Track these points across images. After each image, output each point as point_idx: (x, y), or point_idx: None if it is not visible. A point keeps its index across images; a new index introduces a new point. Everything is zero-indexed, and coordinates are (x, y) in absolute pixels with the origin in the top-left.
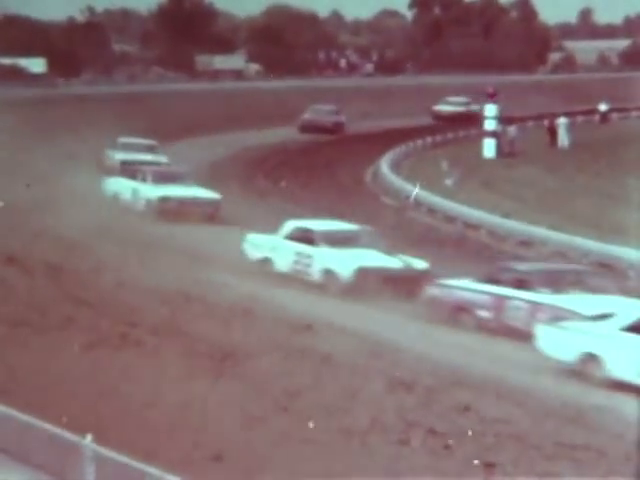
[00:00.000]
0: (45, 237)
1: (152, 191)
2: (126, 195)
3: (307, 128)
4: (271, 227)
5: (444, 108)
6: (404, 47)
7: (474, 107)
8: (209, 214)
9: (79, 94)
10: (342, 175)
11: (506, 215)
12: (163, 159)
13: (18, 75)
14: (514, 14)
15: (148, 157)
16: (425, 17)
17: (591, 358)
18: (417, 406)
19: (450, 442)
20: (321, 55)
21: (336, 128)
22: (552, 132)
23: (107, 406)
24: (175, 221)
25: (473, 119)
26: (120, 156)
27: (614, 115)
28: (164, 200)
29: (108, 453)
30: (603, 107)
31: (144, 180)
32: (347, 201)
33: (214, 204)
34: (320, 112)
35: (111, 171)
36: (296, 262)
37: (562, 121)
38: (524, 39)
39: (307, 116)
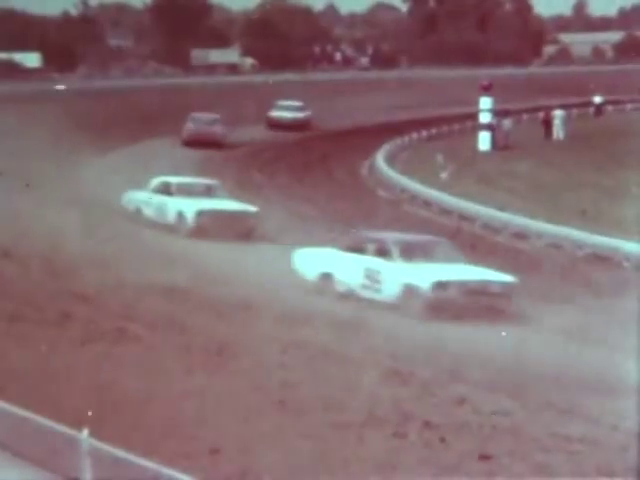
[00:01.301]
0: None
1: (184, 205)
2: (150, 209)
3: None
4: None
5: (280, 114)
6: (399, 40)
7: (307, 113)
8: (246, 230)
9: (76, 89)
10: (338, 169)
11: (501, 208)
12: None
13: (13, 70)
14: (509, 7)
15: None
16: (420, 10)
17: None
18: None
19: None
20: (316, 49)
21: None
22: (547, 125)
23: (104, 400)
24: (210, 238)
25: (307, 126)
26: None
27: (609, 107)
28: (201, 214)
29: (105, 447)
30: (598, 99)
31: (171, 192)
32: (344, 195)
33: (252, 218)
34: (286, 108)
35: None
36: None
37: (558, 114)
38: (519, 32)
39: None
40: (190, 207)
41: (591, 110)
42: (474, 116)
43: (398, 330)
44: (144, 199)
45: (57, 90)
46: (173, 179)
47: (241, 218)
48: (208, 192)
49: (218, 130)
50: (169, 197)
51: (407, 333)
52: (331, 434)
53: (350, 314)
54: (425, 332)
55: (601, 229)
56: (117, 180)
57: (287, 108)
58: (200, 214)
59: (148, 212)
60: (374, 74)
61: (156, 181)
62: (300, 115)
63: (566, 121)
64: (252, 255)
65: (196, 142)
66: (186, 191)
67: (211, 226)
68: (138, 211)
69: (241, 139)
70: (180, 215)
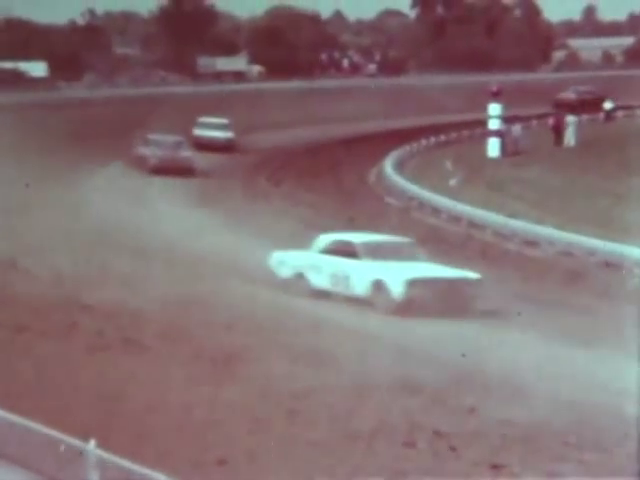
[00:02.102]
0: None
1: (384, 271)
2: (322, 276)
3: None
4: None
5: (204, 133)
6: (407, 47)
7: (230, 134)
8: (465, 302)
9: (82, 98)
10: (346, 176)
11: (512, 215)
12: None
13: (19, 79)
14: (517, 12)
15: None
16: (428, 16)
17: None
18: None
19: None
20: (323, 56)
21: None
22: (557, 131)
23: (111, 411)
24: (422, 315)
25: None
26: None
27: (619, 113)
28: (413, 284)
29: (112, 458)
30: (608, 105)
31: (356, 254)
32: (351, 202)
33: (473, 287)
34: (209, 127)
35: None
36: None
37: (571, 120)
38: (528, 37)
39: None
40: (394, 274)
41: (601, 116)
42: (471, 124)
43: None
44: (310, 262)
45: (63, 99)
46: (356, 237)
47: (460, 287)
48: (405, 253)
49: (185, 154)
50: (353, 260)
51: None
52: None
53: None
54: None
55: (613, 236)
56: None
57: (211, 126)
58: (412, 284)
59: (317, 280)
60: (382, 81)
61: (326, 239)
62: (225, 135)
63: (577, 127)
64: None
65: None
66: (377, 252)
67: (425, 299)
68: (299, 277)
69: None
70: (379, 285)
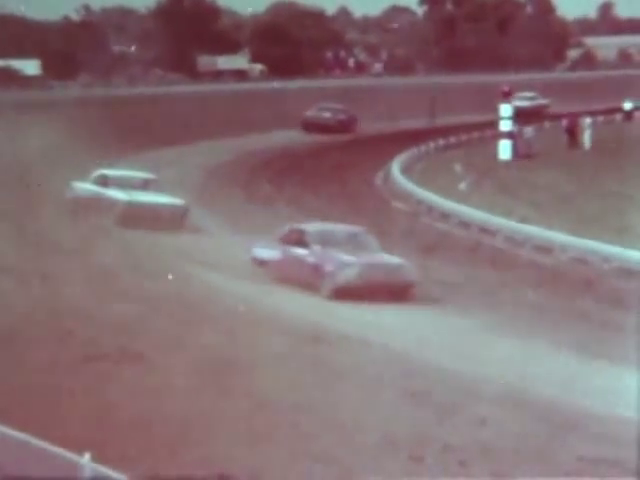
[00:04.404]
0: None
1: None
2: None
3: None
4: None
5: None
6: (415, 45)
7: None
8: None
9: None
10: (351, 179)
11: (523, 220)
12: None
13: (11, 77)
14: (530, 9)
15: None
16: (437, 13)
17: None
18: None
19: None
20: (328, 54)
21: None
22: (571, 132)
23: (107, 422)
24: None
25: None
26: None
27: (637, 114)
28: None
29: (108, 472)
30: (628, 105)
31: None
32: (357, 206)
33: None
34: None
35: None
36: None
37: (587, 121)
38: (541, 35)
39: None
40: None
41: (619, 117)
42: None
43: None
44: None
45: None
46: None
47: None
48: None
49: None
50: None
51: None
52: None
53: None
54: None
55: (628, 242)
56: None
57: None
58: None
59: None
60: (388, 81)
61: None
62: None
63: (592, 129)
64: None
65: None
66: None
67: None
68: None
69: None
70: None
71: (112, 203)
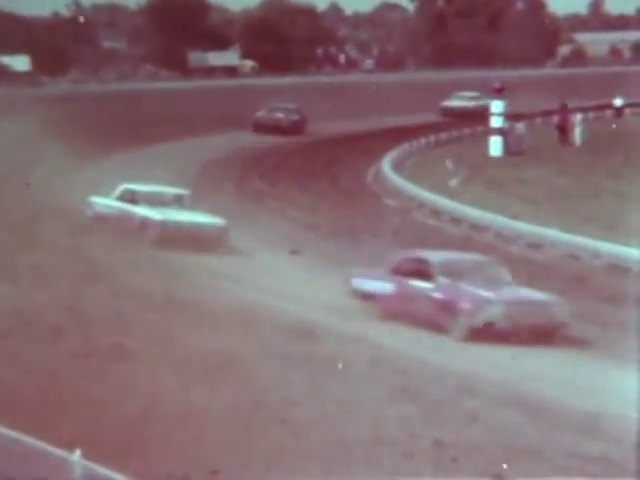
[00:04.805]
0: None
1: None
2: None
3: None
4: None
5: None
6: (406, 41)
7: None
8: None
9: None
10: (342, 175)
11: (514, 216)
12: None
13: (0, 73)
14: (521, 5)
15: None
16: (428, 9)
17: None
18: None
19: None
20: (319, 50)
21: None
22: (562, 129)
23: (98, 419)
24: None
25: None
26: None
27: (627, 110)
28: None
29: (99, 469)
30: (619, 102)
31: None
32: (348, 203)
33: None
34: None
35: None
36: None
37: (579, 117)
38: (532, 31)
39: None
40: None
41: (610, 113)
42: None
43: None
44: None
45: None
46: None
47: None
48: None
49: None
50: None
51: None
52: None
53: None
54: None
55: (619, 238)
56: None
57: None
58: None
59: None
60: (380, 77)
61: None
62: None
63: (584, 126)
64: None
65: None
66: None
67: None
68: None
69: None
70: None
71: (143, 222)
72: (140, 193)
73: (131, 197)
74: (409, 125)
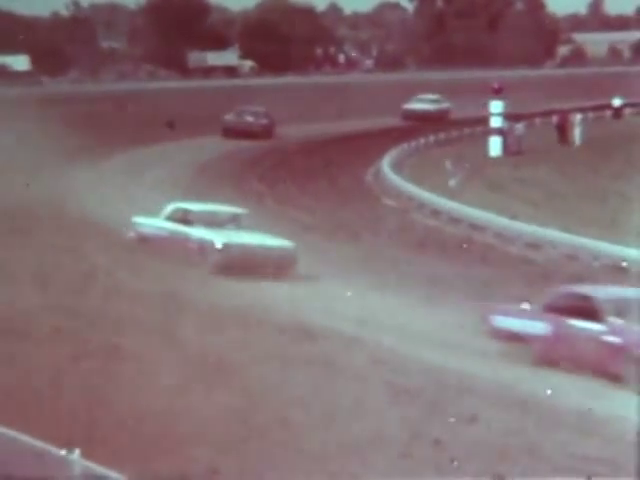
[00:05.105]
0: None
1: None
2: None
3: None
4: None
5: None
6: (405, 41)
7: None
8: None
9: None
10: (341, 175)
11: (514, 217)
12: None
13: (1, 73)
14: (521, 5)
15: None
16: (427, 9)
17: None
18: None
19: None
20: (319, 50)
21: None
22: (561, 129)
23: (97, 419)
24: None
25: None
26: None
27: (627, 110)
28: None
29: (97, 469)
30: (617, 102)
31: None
32: (347, 203)
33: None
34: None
35: None
36: None
37: (578, 118)
38: (531, 32)
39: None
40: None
41: (608, 113)
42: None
43: None
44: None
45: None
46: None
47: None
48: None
49: None
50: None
51: None
52: None
53: None
54: None
55: (618, 238)
56: None
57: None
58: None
59: None
60: (379, 77)
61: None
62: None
63: (583, 126)
64: None
65: None
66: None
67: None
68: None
69: None
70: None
71: (202, 246)
72: (195, 213)
73: (184, 217)
74: (367, 130)
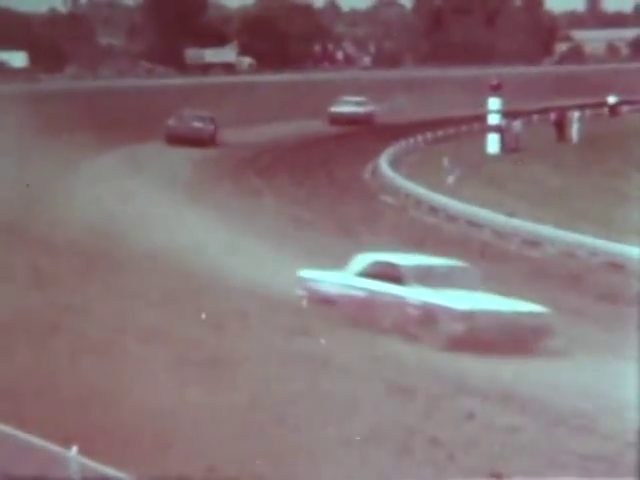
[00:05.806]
0: None
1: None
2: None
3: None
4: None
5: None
6: (403, 38)
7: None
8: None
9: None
10: (339, 172)
11: (511, 214)
12: None
13: None
14: (518, 2)
15: None
16: (425, 6)
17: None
18: None
19: None
20: (317, 47)
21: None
22: (559, 126)
23: (95, 416)
24: None
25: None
26: None
27: (624, 108)
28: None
29: (95, 465)
30: (612, 99)
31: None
32: (346, 200)
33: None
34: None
35: None
36: None
37: (576, 115)
38: (529, 29)
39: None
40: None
41: (605, 110)
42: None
43: None
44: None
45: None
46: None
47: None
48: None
49: None
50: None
51: None
52: None
53: None
54: None
55: (616, 236)
56: None
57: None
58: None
59: None
60: (377, 74)
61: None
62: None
63: (581, 123)
64: None
65: None
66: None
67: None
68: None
69: None
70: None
71: (430, 312)
72: (406, 268)
73: (389, 273)
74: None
